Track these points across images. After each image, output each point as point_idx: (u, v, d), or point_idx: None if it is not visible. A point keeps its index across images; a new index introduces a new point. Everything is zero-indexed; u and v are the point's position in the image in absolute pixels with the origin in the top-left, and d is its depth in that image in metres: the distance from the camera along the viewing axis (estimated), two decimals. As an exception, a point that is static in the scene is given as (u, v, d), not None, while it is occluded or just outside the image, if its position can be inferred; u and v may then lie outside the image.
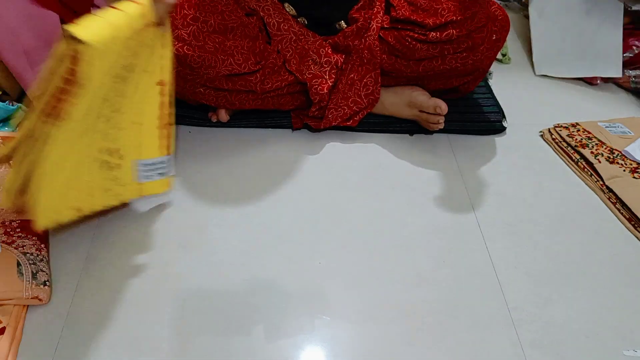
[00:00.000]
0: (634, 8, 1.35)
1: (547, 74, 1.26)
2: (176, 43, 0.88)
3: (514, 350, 0.72)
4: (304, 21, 1.00)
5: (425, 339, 0.72)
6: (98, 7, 1.18)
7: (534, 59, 1.31)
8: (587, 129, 1.09)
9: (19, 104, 0.99)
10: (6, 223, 0.78)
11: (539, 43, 1.31)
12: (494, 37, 0.97)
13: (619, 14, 1.29)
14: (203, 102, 0.98)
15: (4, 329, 0.67)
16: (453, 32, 0.95)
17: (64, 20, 1.04)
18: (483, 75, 1.07)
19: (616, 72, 1.23)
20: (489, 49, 0.98)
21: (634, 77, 1.27)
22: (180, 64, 0.89)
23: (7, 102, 0.99)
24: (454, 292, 0.79)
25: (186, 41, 0.88)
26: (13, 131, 0.96)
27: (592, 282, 0.82)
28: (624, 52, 1.32)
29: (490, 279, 0.81)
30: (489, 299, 0.78)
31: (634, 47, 1.32)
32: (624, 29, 1.39)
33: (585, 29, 1.30)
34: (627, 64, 1.32)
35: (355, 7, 1.00)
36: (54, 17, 1.02)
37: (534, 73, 1.29)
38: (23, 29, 0.98)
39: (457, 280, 0.80)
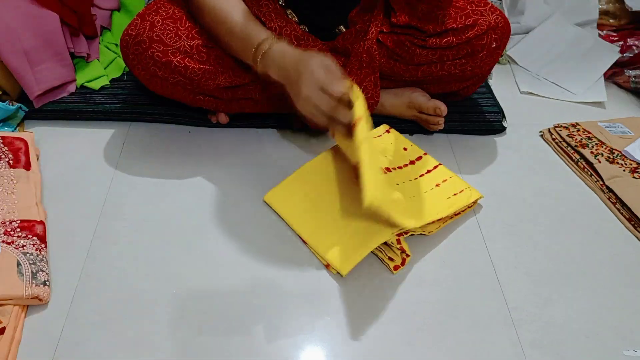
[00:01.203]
0: (635, 9, 1.35)
1: (532, 92, 1.26)
2: (177, 55, 0.87)
3: (514, 350, 0.72)
4: (305, 28, 1.00)
5: (425, 339, 0.72)
6: (98, 7, 1.19)
7: (516, 80, 1.29)
8: (587, 129, 1.09)
9: (19, 104, 0.99)
10: (6, 223, 0.78)
11: (522, 75, 1.31)
12: (494, 45, 0.96)
13: (601, 56, 1.31)
14: (202, 107, 0.98)
15: (3, 329, 0.67)
16: (453, 39, 0.95)
17: (64, 20, 1.04)
18: (483, 80, 1.07)
19: (601, 97, 1.23)
20: (488, 56, 0.98)
21: (634, 77, 1.28)
22: (181, 75, 0.89)
23: (7, 102, 0.99)
24: (454, 292, 0.79)
25: (188, 53, 0.88)
26: (13, 131, 0.96)
27: (592, 282, 0.82)
28: (624, 53, 1.32)
29: (490, 279, 0.81)
30: (489, 299, 0.78)
31: (634, 47, 1.32)
32: (624, 29, 1.40)
33: (563, 66, 1.31)
34: (627, 64, 1.32)
35: (355, 10, 1.00)
36: (54, 17, 1.02)
37: (519, 90, 1.27)
38: (23, 29, 0.98)
39: (457, 280, 0.80)
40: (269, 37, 0.82)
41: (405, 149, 0.99)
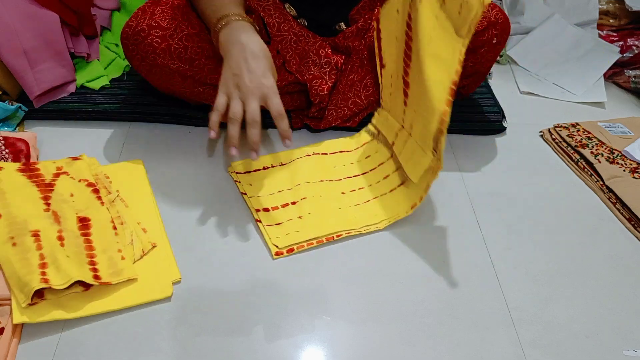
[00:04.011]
0: (635, 9, 1.35)
1: (532, 92, 1.26)
2: (175, 37, 0.88)
3: (514, 350, 0.72)
4: (303, 22, 1.00)
5: (425, 339, 0.72)
6: (98, 7, 1.19)
7: (516, 80, 1.29)
8: (587, 129, 1.09)
9: (19, 104, 0.99)
10: (6, 223, 0.77)
11: (522, 75, 1.32)
12: (494, 41, 0.96)
13: (601, 57, 1.31)
14: (203, 101, 0.98)
15: (2, 329, 0.66)
16: None
17: (64, 20, 1.04)
18: (483, 78, 1.07)
19: (601, 97, 1.24)
20: (488, 52, 0.98)
21: (634, 77, 1.28)
22: (180, 59, 0.89)
23: (7, 102, 0.99)
24: (454, 292, 0.79)
25: (184, 32, 0.88)
26: (13, 130, 0.96)
27: (592, 282, 0.82)
28: (624, 53, 1.32)
29: (490, 279, 0.81)
30: (489, 299, 0.78)
31: (634, 47, 1.32)
32: (624, 29, 1.40)
33: (563, 67, 1.32)
34: (627, 64, 1.32)
35: (356, 7, 1.00)
36: (54, 17, 1.02)
37: (519, 90, 1.27)
38: (23, 29, 0.98)
39: (457, 280, 0.80)
40: (237, 14, 0.80)
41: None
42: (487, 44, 0.96)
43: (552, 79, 1.29)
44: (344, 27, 1.01)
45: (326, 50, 1.00)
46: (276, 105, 0.77)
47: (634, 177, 0.98)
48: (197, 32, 0.89)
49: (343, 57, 1.01)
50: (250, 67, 0.77)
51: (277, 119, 0.78)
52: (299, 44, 0.98)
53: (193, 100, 0.99)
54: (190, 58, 0.89)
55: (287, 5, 0.98)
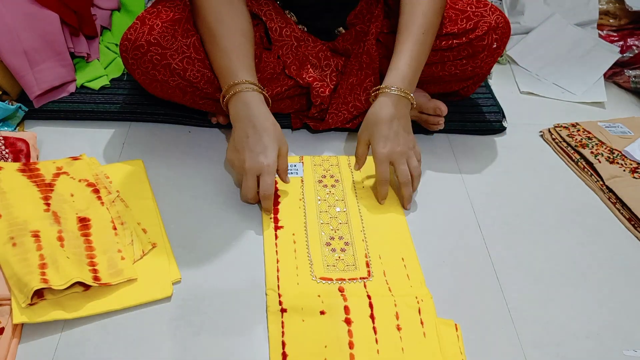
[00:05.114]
0: (635, 9, 1.35)
1: (532, 92, 1.26)
2: (176, 57, 0.87)
3: (514, 350, 0.72)
4: (303, 28, 1.00)
5: (425, 339, 0.72)
6: (98, 7, 1.19)
7: (516, 80, 1.30)
8: (587, 129, 1.09)
9: (19, 104, 0.99)
10: (6, 223, 0.78)
11: (522, 75, 1.32)
12: (494, 45, 0.96)
13: (601, 57, 1.31)
14: (202, 109, 0.99)
15: (2, 329, 0.66)
16: (453, 40, 0.95)
17: (64, 20, 1.04)
18: (483, 79, 1.07)
19: (601, 97, 1.24)
20: (489, 56, 0.98)
21: (634, 77, 1.28)
22: (180, 77, 0.89)
23: (7, 102, 0.99)
24: (454, 292, 0.79)
25: (185, 54, 0.88)
26: (13, 130, 0.96)
27: (592, 282, 0.82)
28: (624, 53, 1.32)
29: (490, 279, 0.81)
30: (489, 299, 0.78)
31: (634, 47, 1.32)
32: (624, 29, 1.40)
33: (563, 67, 1.32)
34: (627, 64, 1.32)
35: (353, 12, 1.00)
36: (54, 17, 1.02)
37: (519, 90, 1.27)
38: (23, 29, 0.98)
39: (457, 280, 0.80)
40: (247, 82, 0.83)
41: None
42: (487, 49, 0.96)
43: (552, 79, 1.29)
44: (342, 30, 1.01)
45: (326, 53, 1.00)
46: (265, 186, 0.82)
47: (634, 177, 0.98)
48: (202, 58, 0.89)
49: (343, 59, 1.01)
50: (250, 146, 0.81)
51: (262, 198, 0.83)
52: (300, 49, 0.98)
53: (194, 107, 1.00)
54: (189, 80, 0.89)
55: (287, 12, 0.98)
